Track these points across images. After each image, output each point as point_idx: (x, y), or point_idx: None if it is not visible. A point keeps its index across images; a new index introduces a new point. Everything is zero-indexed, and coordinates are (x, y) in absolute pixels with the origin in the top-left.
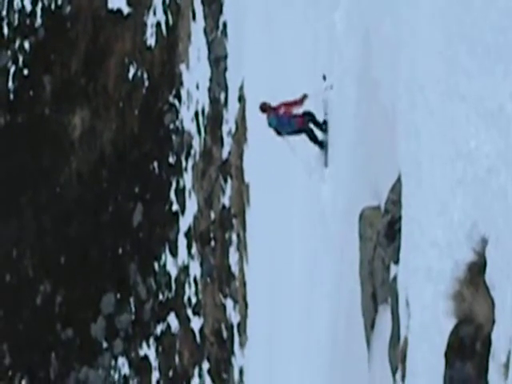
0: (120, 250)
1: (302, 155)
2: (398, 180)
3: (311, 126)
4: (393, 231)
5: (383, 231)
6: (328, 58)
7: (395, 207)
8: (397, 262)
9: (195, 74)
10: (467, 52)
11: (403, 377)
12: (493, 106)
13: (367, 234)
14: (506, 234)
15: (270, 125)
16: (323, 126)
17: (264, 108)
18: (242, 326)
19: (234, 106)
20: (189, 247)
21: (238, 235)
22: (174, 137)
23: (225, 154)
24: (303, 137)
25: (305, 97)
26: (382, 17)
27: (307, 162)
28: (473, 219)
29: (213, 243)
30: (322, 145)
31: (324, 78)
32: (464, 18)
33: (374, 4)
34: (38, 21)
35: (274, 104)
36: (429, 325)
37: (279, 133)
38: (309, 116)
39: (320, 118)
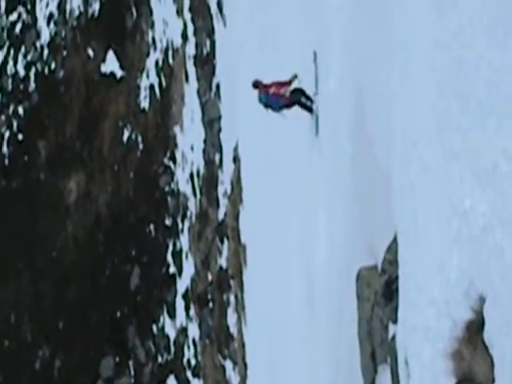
0: (118, 314)
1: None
2: (394, 239)
3: (302, 99)
4: (390, 291)
5: (381, 291)
6: (321, 115)
7: (392, 267)
8: (395, 321)
9: (189, 135)
10: (460, 107)
11: None
12: (487, 163)
13: (365, 293)
14: (504, 291)
15: (260, 101)
16: (313, 99)
17: (256, 85)
18: None
19: (228, 167)
20: (187, 309)
21: (236, 296)
22: (169, 199)
23: (221, 215)
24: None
25: (294, 77)
26: (375, 73)
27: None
28: (470, 277)
29: (211, 304)
30: (311, 110)
31: (314, 54)
32: (456, 73)
33: (367, 61)
34: (32, 85)
35: (266, 82)
36: None
37: (269, 107)
38: (299, 92)
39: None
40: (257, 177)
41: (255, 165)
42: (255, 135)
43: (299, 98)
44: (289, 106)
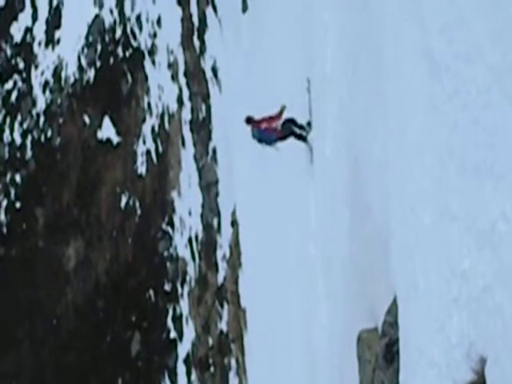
0: (120, 380)
1: (288, 155)
2: (394, 301)
3: (295, 129)
4: (391, 353)
5: (381, 353)
6: (318, 179)
7: (392, 329)
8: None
9: (187, 200)
10: (456, 170)
11: None
12: (485, 224)
13: (366, 356)
14: (504, 352)
15: (253, 136)
16: (307, 128)
17: (249, 121)
18: None
19: (227, 230)
20: (188, 374)
21: (237, 360)
22: (168, 264)
23: (220, 280)
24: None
25: (283, 108)
26: (371, 138)
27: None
28: (470, 338)
29: (212, 369)
30: (305, 140)
31: (308, 82)
32: (452, 136)
33: (362, 126)
34: (29, 153)
35: (257, 117)
36: None
37: (263, 142)
38: (290, 123)
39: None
40: (255, 240)
41: (253, 228)
42: (253, 198)
43: (291, 129)
44: (282, 138)
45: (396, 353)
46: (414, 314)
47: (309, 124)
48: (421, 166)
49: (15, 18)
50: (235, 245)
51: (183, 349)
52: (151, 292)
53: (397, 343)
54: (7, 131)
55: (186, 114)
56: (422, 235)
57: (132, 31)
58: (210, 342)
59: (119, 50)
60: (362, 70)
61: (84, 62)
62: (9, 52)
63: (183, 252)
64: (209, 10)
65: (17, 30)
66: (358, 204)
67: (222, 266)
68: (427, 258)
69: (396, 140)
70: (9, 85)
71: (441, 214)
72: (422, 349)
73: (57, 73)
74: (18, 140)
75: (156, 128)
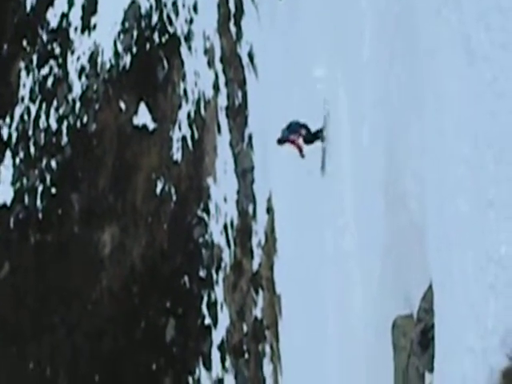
0: (154, 366)
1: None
2: (430, 288)
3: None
4: (426, 339)
5: (416, 340)
6: (352, 168)
7: (428, 315)
8: (431, 370)
9: (223, 186)
10: (494, 159)
11: None
12: None
13: (401, 342)
14: None
15: (281, 140)
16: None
17: (280, 141)
18: None
19: (262, 217)
20: (222, 360)
21: (272, 346)
22: (203, 250)
23: (255, 266)
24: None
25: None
26: (407, 127)
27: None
28: (506, 324)
29: (246, 355)
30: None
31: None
32: (490, 125)
33: (399, 114)
34: (64, 139)
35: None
36: None
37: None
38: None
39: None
40: (291, 227)
41: (289, 215)
42: (288, 185)
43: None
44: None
45: (431, 339)
46: (449, 300)
47: (320, 131)
48: (458, 155)
49: (51, 4)
50: (270, 231)
51: (218, 335)
52: (186, 278)
53: (432, 329)
54: (43, 117)
55: (222, 101)
56: (459, 222)
57: (168, 17)
58: (245, 328)
59: (155, 36)
60: (399, 57)
61: (120, 48)
62: (45, 38)
63: (218, 238)
64: None
65: (53, 16)
66: (393, 192)
67: (257, 253)
68: (463, 244)
69: (433, 128)
70: (45, 70)
71: (478, 202)
72: (458, 335)
73: (93, 58)
74: (54, 126)
75: (192, 114)
